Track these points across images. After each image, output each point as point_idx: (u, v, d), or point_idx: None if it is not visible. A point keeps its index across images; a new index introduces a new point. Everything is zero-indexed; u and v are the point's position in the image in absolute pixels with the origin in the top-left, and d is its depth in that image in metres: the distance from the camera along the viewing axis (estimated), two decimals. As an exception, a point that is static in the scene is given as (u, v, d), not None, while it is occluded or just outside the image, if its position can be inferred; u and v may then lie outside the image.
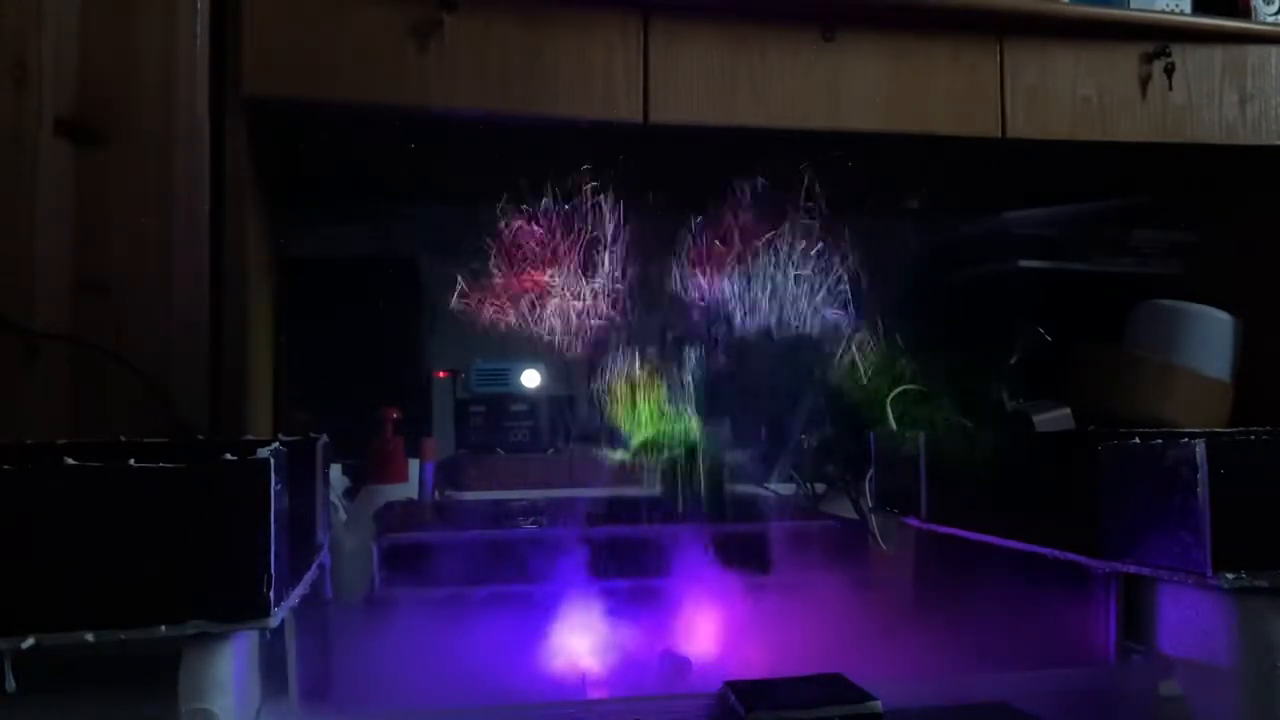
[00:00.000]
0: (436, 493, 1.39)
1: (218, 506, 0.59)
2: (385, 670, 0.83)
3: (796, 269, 1.29)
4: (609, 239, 1.25)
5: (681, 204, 1.31)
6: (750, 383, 1.35)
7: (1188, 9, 1.46)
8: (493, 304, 1.24)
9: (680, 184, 1.25)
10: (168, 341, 1.07)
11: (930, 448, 1.04)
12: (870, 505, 1.26)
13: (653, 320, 1.29)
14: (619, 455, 1.23)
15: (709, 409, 1.27)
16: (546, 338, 1.27)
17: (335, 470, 1.38)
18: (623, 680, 0.83)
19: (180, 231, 1.08)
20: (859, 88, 1.29)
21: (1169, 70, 1.38)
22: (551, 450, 1.57)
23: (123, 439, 0.91)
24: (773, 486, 1.42)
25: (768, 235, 1.26)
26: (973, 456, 1.00)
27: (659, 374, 1.24)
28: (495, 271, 1.25)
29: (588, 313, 1.25)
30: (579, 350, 1.27)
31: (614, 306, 1.25)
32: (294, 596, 0.69)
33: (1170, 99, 1.39)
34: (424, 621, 0.97)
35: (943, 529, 1.01)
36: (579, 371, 1.63)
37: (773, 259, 1.29)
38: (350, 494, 1.44)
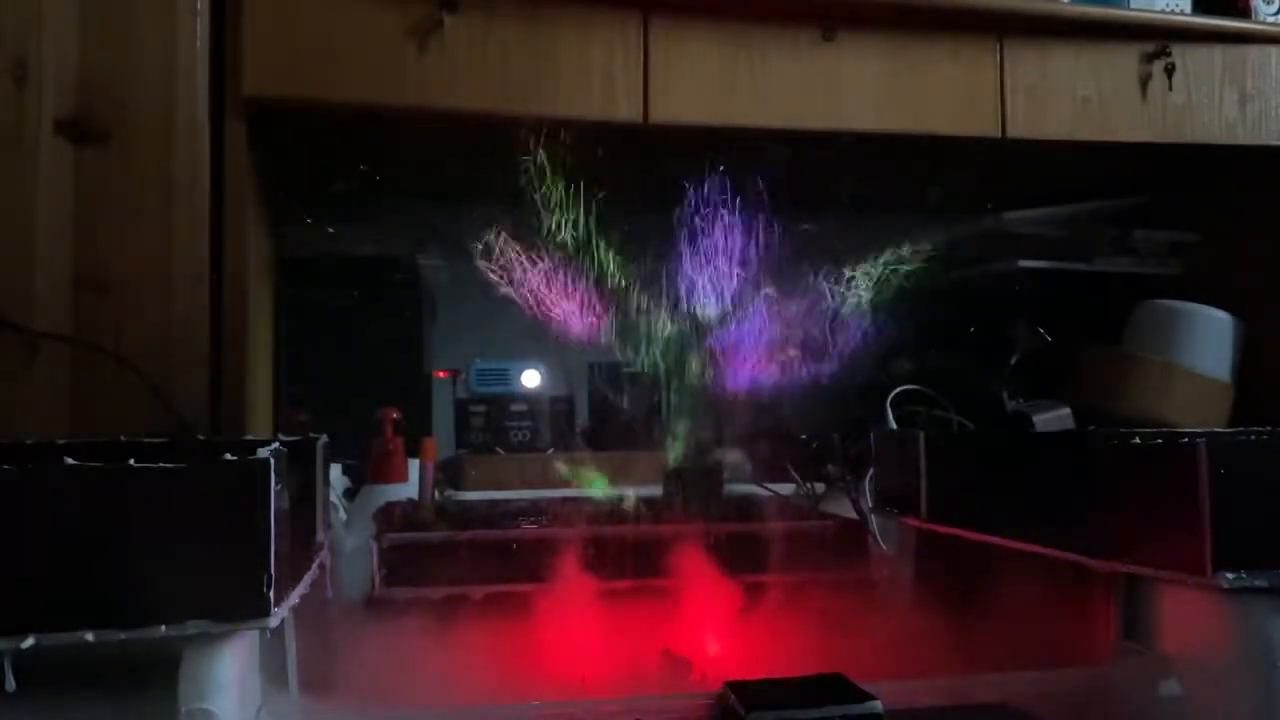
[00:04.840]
0: (436, 493, 1.39)
1: (218, 506, 0.59)
2: (385, 670, 0.83)
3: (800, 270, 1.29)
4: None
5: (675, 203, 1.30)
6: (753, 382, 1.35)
7: (1188, 9, 1.46)
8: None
9: (676, 184, 1.25)
10: (168, 341, 1.07)
11: (930, 448, 1.04)
12: (870, 505, 1.26)
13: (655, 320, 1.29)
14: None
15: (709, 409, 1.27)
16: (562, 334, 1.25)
17: (335, 470, 1.38)
18: (623, 680, 0.83)
19: (180, 231, 1.08)
20: (859, 88, 1.28)
21: (1169, 70, 1.38)
22: (551, 450, 1.56)
23: (123, 439, 0.92)
24: (772, 486, 1.42)
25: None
26: (973, 457, 1.00)
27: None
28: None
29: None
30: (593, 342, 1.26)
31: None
32: (294, 596, 0.69)
33: (1170, 99, 1.39)
34: (424, 621, 0.98)
35: (943, 529, 1.01)
36: (578, 371, 1.63)
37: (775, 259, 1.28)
38: (350, 494, 1.44)
